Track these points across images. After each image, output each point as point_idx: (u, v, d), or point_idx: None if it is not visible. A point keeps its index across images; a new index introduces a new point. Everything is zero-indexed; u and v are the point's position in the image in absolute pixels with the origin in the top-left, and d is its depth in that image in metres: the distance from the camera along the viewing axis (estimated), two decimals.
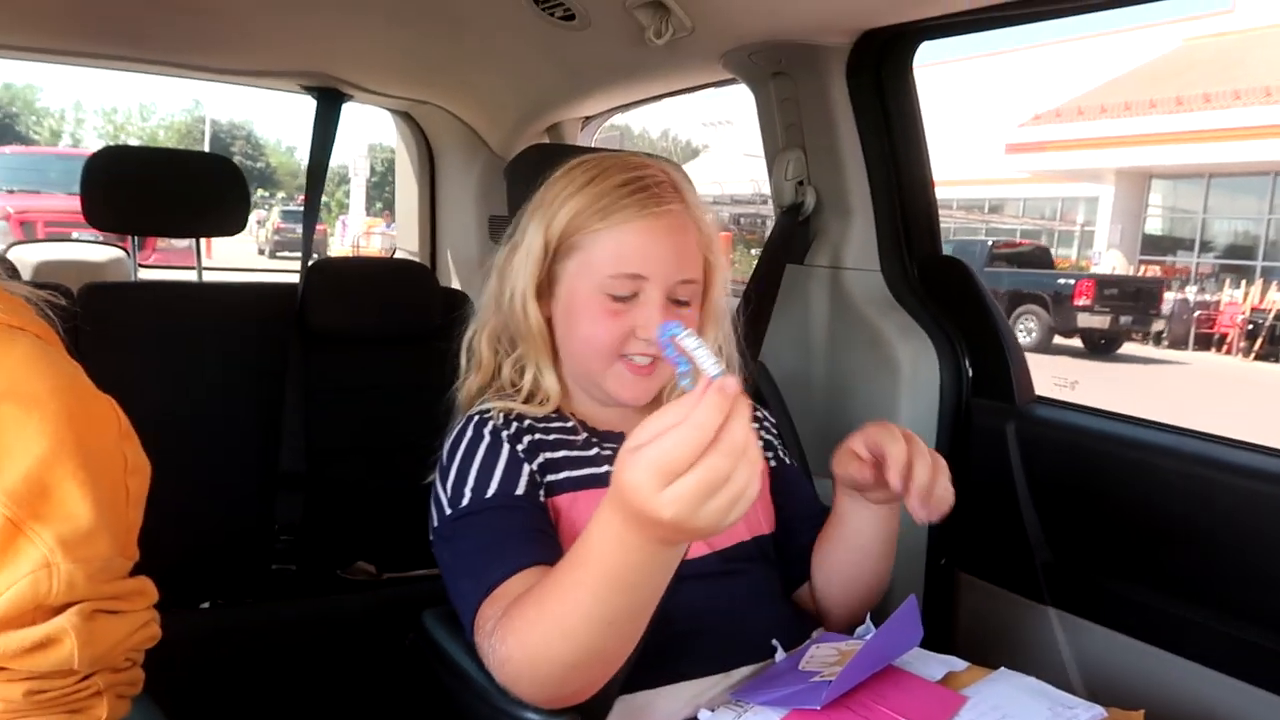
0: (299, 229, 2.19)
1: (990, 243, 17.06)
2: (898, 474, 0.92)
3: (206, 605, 1.54)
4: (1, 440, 0.61)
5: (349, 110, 2.16)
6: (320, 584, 1.62)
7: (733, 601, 1.01)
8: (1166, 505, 1.23)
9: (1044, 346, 13.70)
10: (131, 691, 0.71)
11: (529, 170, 1.33)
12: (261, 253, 20.39)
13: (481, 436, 0.99)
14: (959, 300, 1.51)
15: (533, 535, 0.92)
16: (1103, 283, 14.59)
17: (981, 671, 0.98)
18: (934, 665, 0.98)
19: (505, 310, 1.03)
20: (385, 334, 1.77)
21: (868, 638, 0.99)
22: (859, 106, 1.52)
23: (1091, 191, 20.99)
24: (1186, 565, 1.21)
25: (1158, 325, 15.25)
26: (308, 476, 1.65)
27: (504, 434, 0.99)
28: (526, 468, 0.97)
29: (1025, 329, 13.85)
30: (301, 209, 2.23)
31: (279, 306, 1.74)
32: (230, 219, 1.86)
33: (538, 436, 1.00)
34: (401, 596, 1.46)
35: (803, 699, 0.89)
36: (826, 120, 1.54)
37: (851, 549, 1.06)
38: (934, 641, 1.04)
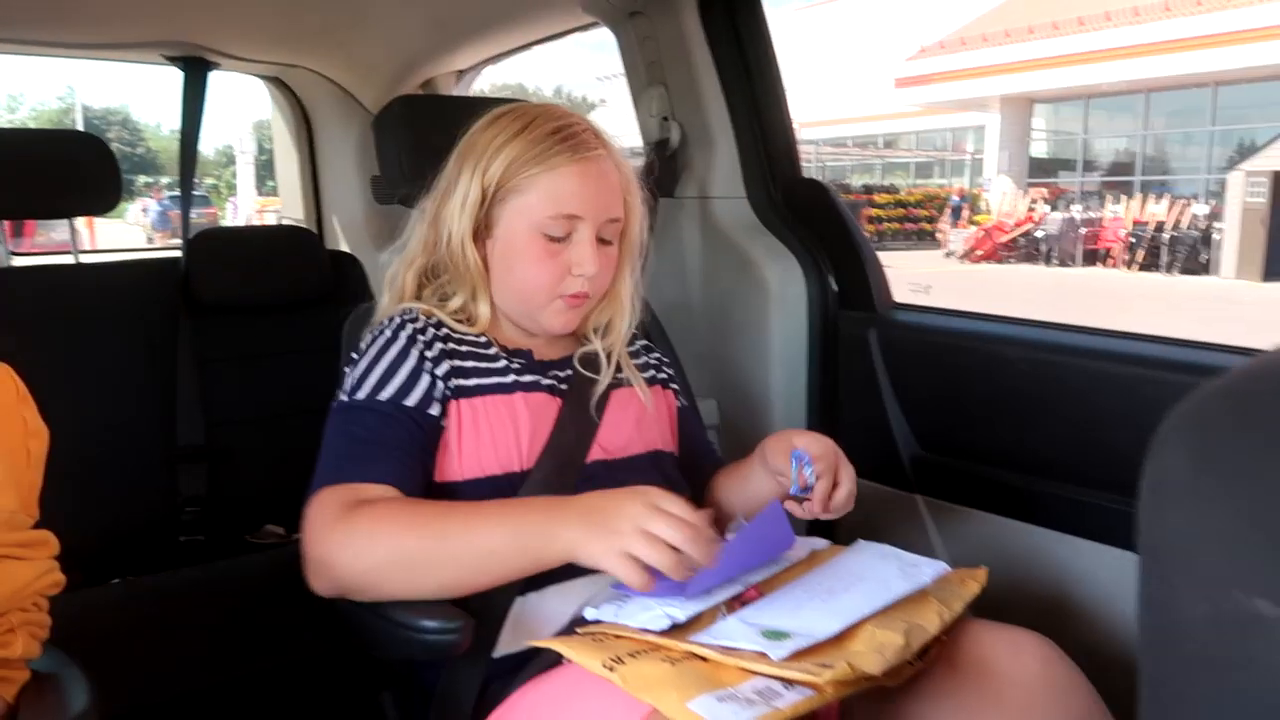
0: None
1: None
2: (820, 505, 1.04)
3: (118, 581, 1.56)
4: None
5: (233, 88, 2.13)
6: (230, 551, 1.64)
7: None
8: (1016, 390, 1.34)
9: None
10: (41, 634, 0.76)
11: (395, 123, 1.36)
12: (150, 240, 19.59)
13: (397, 338, 1.05)
14: (821, 220, 1.60)
15: (404, 454, 0.98)
16: None
17: (842, 548, 1.08)
18: (800, 549, 1.07)
19: (441, 253, 1.10)
20: (275, 301, 1.78)
21: (729, 537, 1.06)
22: (714, 40, 1.58)
23: (979, 120, 21.58)
24: (1035, 443, 1.33)
25: None
26: (209, 448, 1.66)
27: (420, 338, 1.05)
28: (428, 378, 1.02)
29: None
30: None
31: (162, 280, 1.73)
32: (101, 197, 1.82)
33: (450, 345, 1.07)
34: None
35: (672, 590, 0.96)
36: (684, 56, 1.60)
37: (749, 499, 1.16)
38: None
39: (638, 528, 0.84)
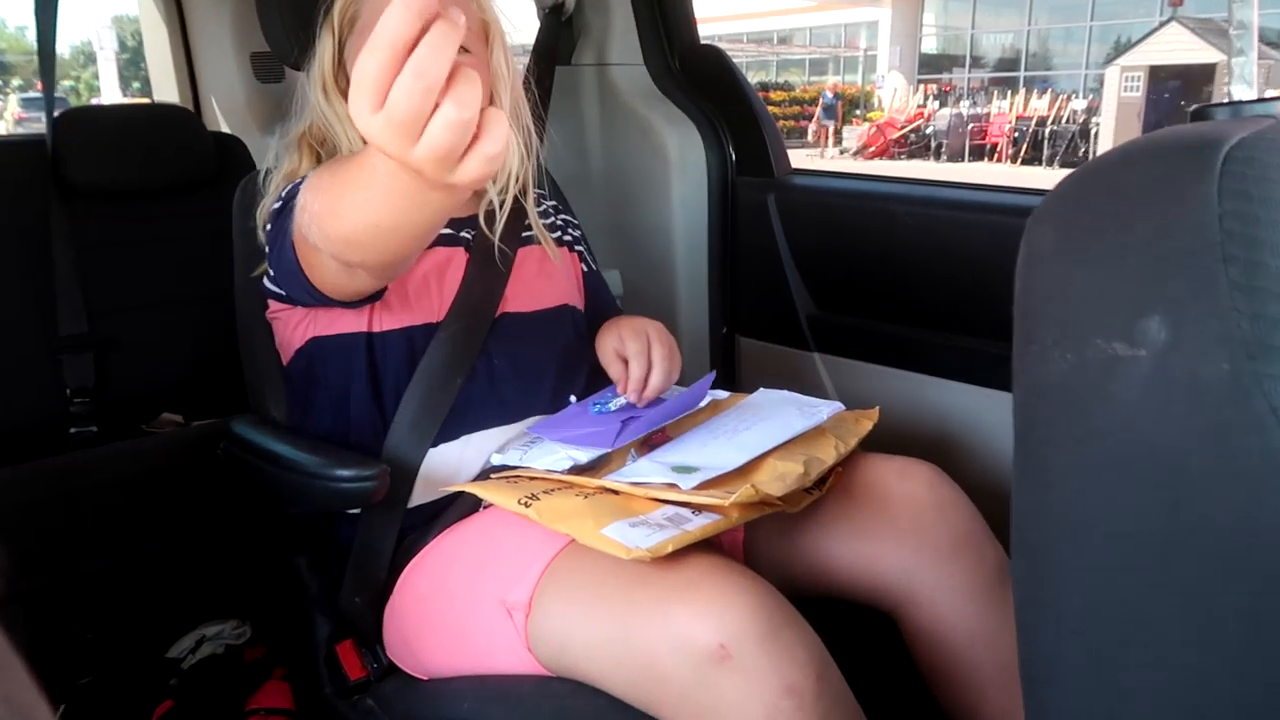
0: (44, 117, 2.00)
1: None
2: (634, 392, 1.08)
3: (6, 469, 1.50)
4: None
5: None
6: (125, 439, 1.60)
7: (534, 357, 1.09)
8: (904, 247, 1.39)
9: None
10: None
11: None
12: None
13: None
14: (719, 87, 1.60)
15: None
16: None
17: (744, 395, 1.12)
18: (702, 397, 1.12)
19: (317, 114, 1.06)
20: (156, 184, 1.69)
21: (665, 398, 1.09)
22: None
23: (872, 16, 21.61)
24: (922, 297, 1.39)
25: None
26: (93, 336, 1.60)
27: None
28: None
29: None
30: (43, 96, 2.03)
31: (26, 162, 1.62)
32: None
33: None
34: (211, 430, 1.47)
35: (595, 440, 0.99)
36: None
37: None
38: None
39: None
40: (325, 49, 1.05)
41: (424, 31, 0.49)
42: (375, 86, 0.50)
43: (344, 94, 1.06)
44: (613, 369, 1.11)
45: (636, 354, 1.08)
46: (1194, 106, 0.55)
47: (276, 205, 0.97)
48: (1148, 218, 0.43)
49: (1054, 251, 0.48)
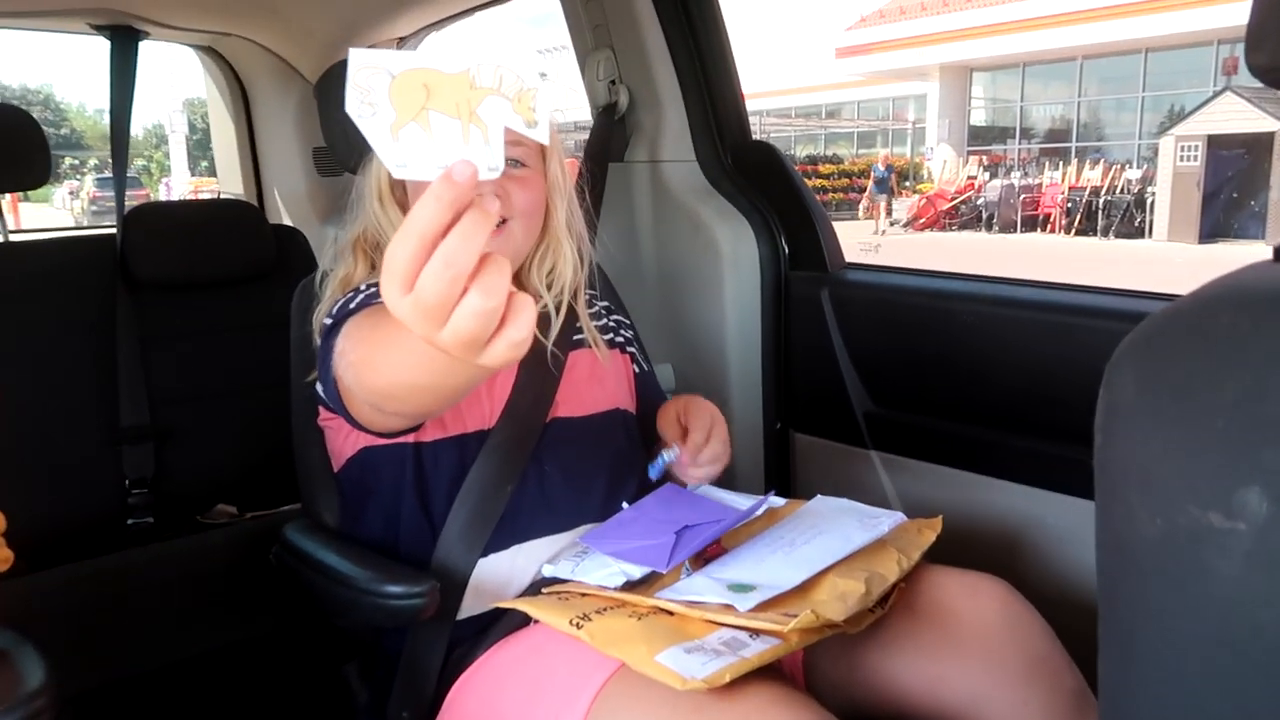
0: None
1: None
2: (690, 453, 1.10)
3: (67, 566, 1.52)
4: None
5: (160, 62, 2.05)
6: (181, 533, 1.61)
7: (585, 462, 1.08)
8: (964, 344, 1.36)
9: None
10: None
11: (335, 86, 1.33)
12: (79, 226, 19.03)
13: (370, 301, 1.00)
14: (771, 182, 1.60)
15: None
16: None
17: (801, 502, 1.09)
18: (758, 505, 1.09)
19: (371, 220, 1.08)
20: (217, 276, 1.74)
21: (723, 521, 1.05)
22: (660, 2, 1.57)
23: (920, 89, 21.80)
24: (985, 396, 1.36)
25: None
26: (155, 428, 1.62)
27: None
28: None
29: None
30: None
31: (97, 258, 1.68)
32: (30, 172, 1.76)
33: None
34: (264, 527, 1.48)
35: (648, 557, 0.96)
36: (631, 18, 1.58)
37: None
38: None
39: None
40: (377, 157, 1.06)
41: (456, 219, 0.50)
42: (405, 272, 0.51)
43: (399, 204, 1.07)
44: (670, 430, 1.13)
45: (699, 424, 1.11)
46: (1276, 244, 0.52)
47: (328, 322, 0.98)
48: (1239, 376, 0.41)
49: (1135, 405, 0.45)
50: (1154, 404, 0.44)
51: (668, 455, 1.10)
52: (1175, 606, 0.42)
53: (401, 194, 1.07)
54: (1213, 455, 0.41)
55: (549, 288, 1.11)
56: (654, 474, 1.11)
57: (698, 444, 1.08)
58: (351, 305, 0.98)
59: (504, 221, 1.03)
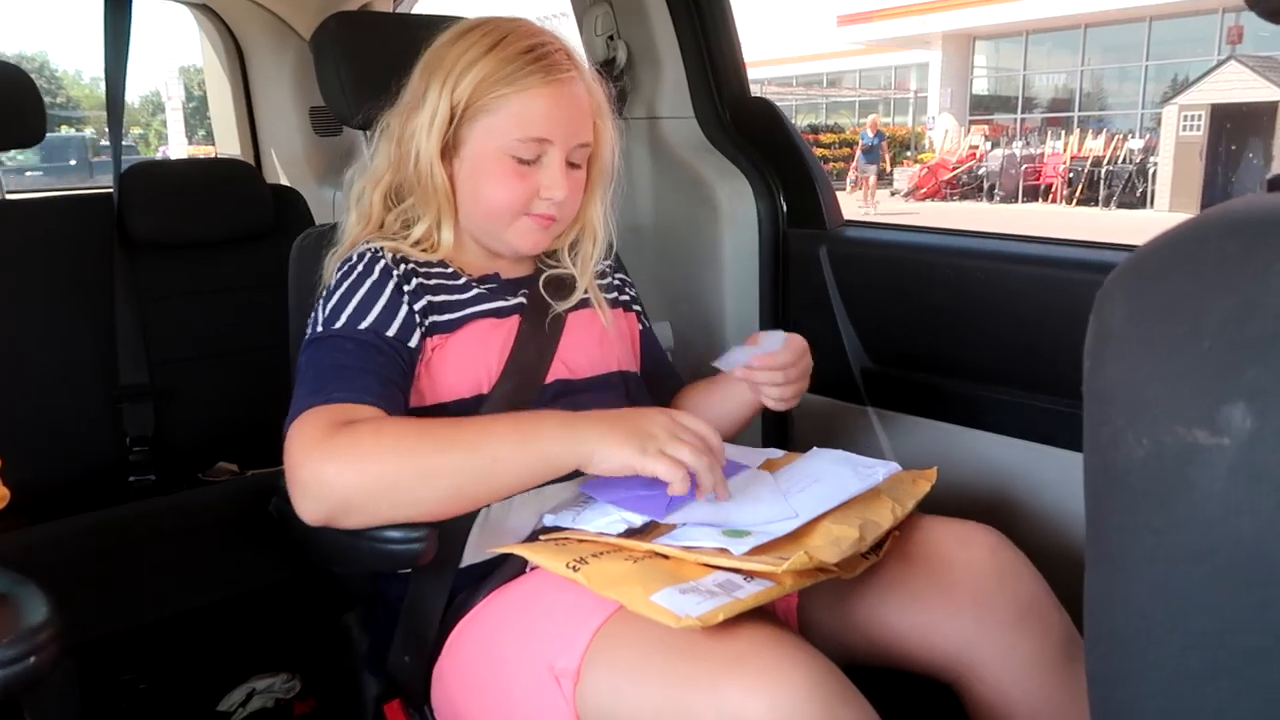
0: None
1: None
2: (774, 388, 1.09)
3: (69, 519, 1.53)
4: None
5: (156, 25, 2.04)
6: (182, 489, 1.62)
7: None
8: (960, 300, 1.36)
9: None
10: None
11: (335, 43, 1.32)
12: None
13: (371, 270, 1.02)
14: (770, 139, 1.60)
15: (386, 380, 0.96)
16: None
17: (796, 455, 1.10)
18: (755, 457, 1.10)
19: (408, 173, 1.06)
20: (214, 236, 1.74)
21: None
22: None
23: (922, 58, 21.60)
24: (980, 352, 1.36)
25: None
26: (155, 387, 1.63)
27: (394, 272, 1.02)
28: (406, 309, 1.00)
29: None
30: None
31: (94, 217, 1.68)
32: (26, 128, 1.75)
33: (421, 281, 1.04)
34: (265, 482, 1.49)
35: (644, 506, 0.97)
36: None
37: (721, 416, 1.16)
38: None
39: (671, 434, 0.87)
40: (437, 119, 1.03)
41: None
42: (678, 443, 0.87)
43: (445, 163, 1.05)
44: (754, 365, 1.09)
45: (795, 345, 1.10)
46: (1271, 175, 0.52)
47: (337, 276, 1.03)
48: (1225, 298, 0.41)
49: (1125, 330, 0.45)
50: (1143, 328, 0.45)
51: (742, 354, 1.05)
52: (1159, 523, 0.42)
53: (448, 163, 1.06)
54: (1199, 375, 0.41)
55: (570, 257, 1.15)
56: (724, 367, 1.08)
57: (784, 361, 1.06)
58: (337, 324, 0.99)
59: (551, 217, 1.06)
